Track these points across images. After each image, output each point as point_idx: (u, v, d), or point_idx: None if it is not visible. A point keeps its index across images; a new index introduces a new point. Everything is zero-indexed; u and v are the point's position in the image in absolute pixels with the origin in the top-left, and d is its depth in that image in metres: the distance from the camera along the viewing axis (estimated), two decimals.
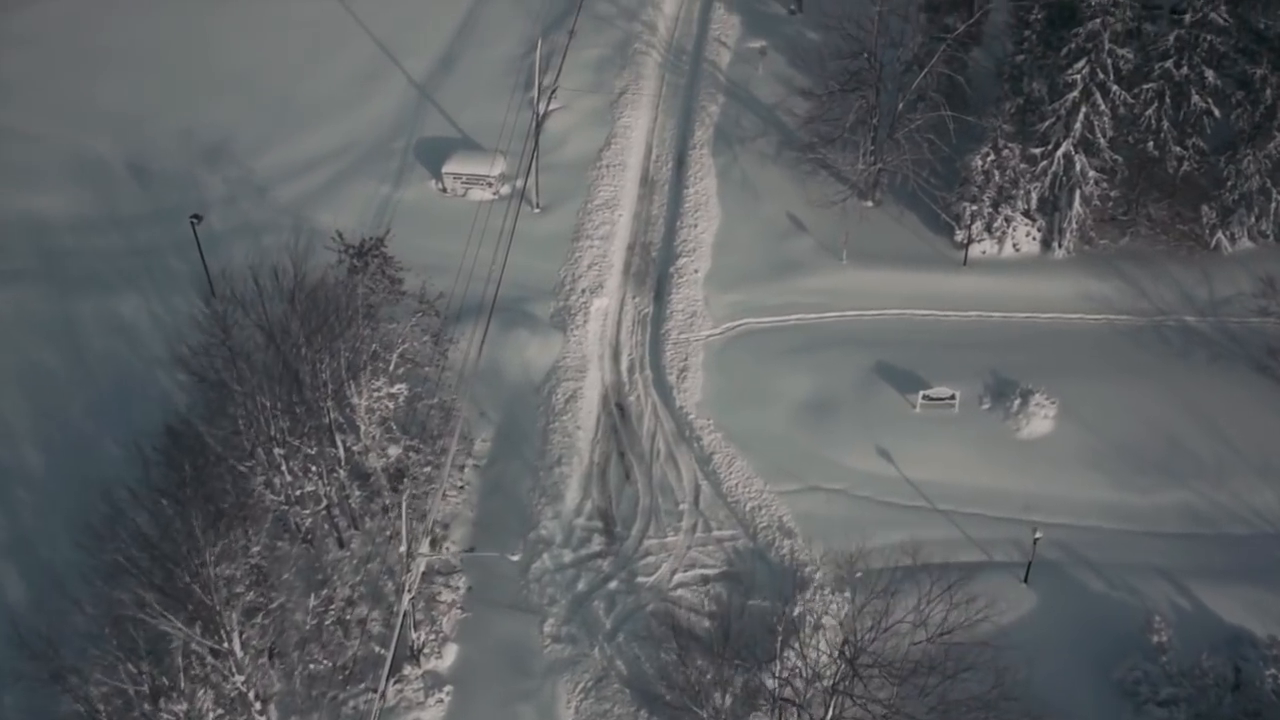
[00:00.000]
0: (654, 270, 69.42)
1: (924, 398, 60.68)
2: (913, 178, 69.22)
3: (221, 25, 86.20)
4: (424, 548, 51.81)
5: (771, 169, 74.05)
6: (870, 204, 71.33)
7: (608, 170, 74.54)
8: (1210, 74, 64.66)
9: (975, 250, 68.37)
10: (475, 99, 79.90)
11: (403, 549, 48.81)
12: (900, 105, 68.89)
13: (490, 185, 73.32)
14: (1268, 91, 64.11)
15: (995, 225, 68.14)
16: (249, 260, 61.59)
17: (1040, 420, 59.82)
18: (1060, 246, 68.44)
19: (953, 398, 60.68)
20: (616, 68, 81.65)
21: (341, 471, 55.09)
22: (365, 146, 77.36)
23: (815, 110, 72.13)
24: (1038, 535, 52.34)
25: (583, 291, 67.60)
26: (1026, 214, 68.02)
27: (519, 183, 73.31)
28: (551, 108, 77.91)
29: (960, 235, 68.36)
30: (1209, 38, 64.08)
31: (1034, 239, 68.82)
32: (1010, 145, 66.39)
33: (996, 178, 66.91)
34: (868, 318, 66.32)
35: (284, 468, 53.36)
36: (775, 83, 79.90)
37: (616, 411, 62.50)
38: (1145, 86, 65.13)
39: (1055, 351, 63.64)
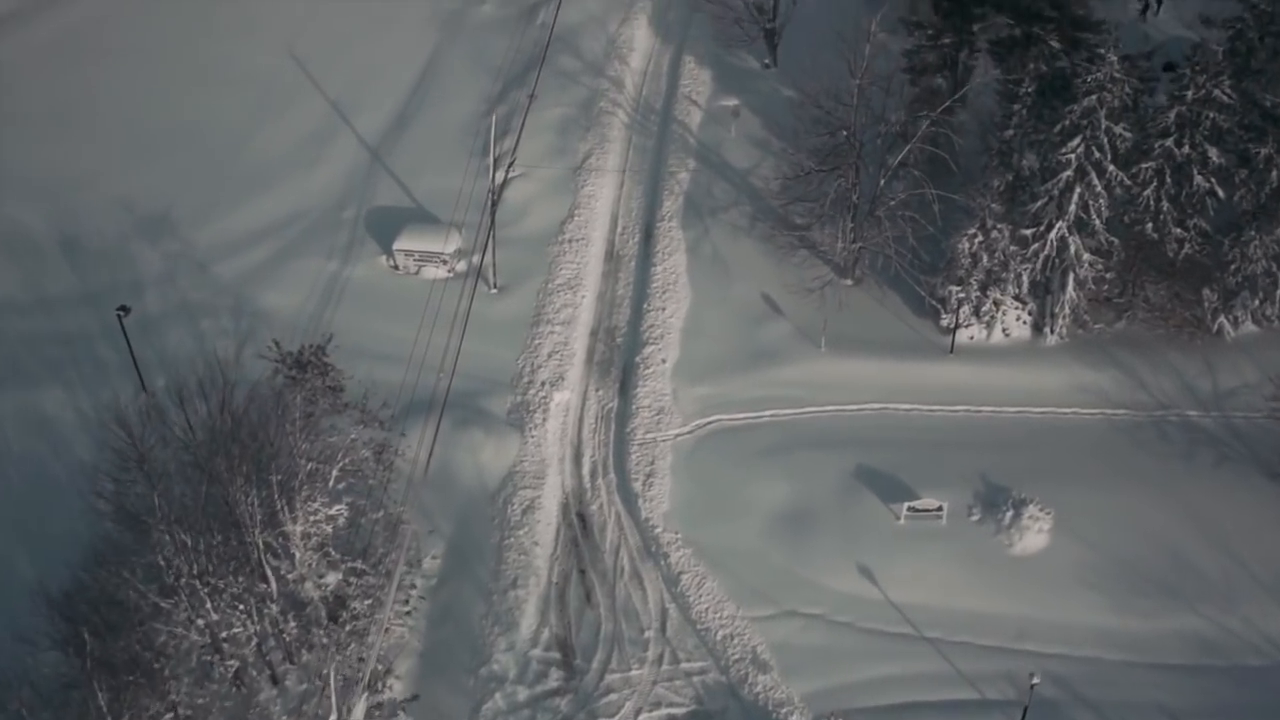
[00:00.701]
0: (619, 359, 64.30)
1: (909, 509, 55.76)
2: (895, 258, 64.37)
3: (162, 80, 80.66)
4: (358, 711, 46.61)
5: (745, 243, 69.00)
6: (849, 282, 66.41)
7: (570, 245, 69.41)
8: (1214, 153, 59.89)
9: (962, 336, 63.50)
10: (431, 163, 74.63)
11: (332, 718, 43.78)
12: (882, 181, 63.94)
13: (445, 263, 68.19)
14: (1274, 172, 59.45)
15: (984, 310, 63.31)
16: (184, 353, 56.72)
17: (1034, 534, 54.94)
18: (1053, 332, 63.60)
19: (940, 509, 55.77)
20: (581, 129, 76.48)
21: (273, 606, 49.94)
22: (313, 216, 72.02)
23: (790, 186, 67.22)
24: (1035, 681, 47.46)
25: (542, 384, 62.46)
26: (1017, 298, 63.30)
27: (476, 258, 68.21)
28: (511, 175, 72.83)
29: (946, 320, 63.46)
30: (1212, 115, 59.35)
31: (1024, 323, 63.97)
32: (1000, 226, 61.57)
33: (985, 260, 62.07)
34: (848, 413, 61.33)
35: (209, 605, 48.21)
36: (749, 145, 74.87)
37: (577, 522, 57.37)
38: (1144, 165, 60.36)
39: (1049, 453, 58.78)
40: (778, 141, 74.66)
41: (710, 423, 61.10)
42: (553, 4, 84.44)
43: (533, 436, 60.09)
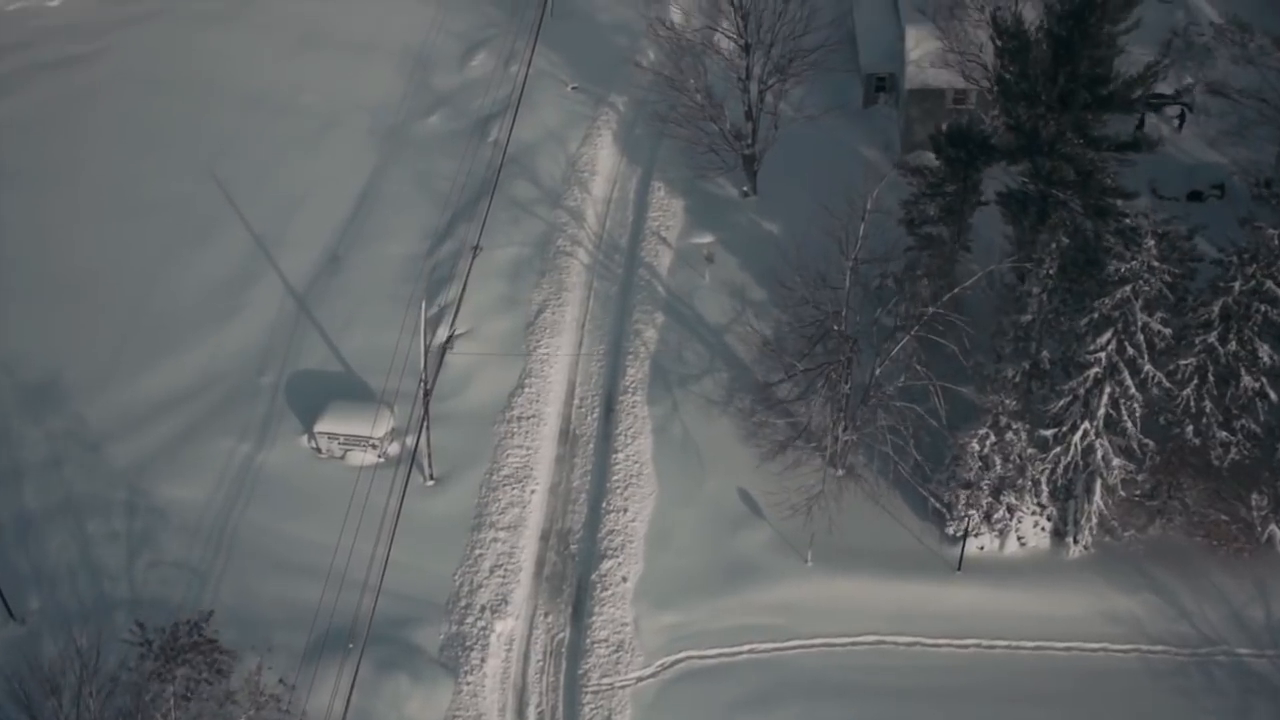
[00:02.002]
0: (573, 574, 54.47)
1: None
2: (893, 453, 54.94)
3: (56, 211, 70.60)
4: None
5: (720, 424, 59.24)
6: (840, 472, 56.93)
7: (520, 424, 59.62)
8: (1265, 350, 50.67)
9: (971, 545, 54.02)
10: (364, 314, 64.72)
11: None
12: (877, 370, 54.43)
13: (374, 447, 58.57)
14: None
15: (996, 517, 54.05)
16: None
17: None
18: (1076, 542, 54.19)
19: None
20: (535, 274, 66.72)
21: None
22: (227, 383, 62.02)
23: (777, 369, 57.80)
24: None
25: (482, 610, 52.61)
26: (1036, 503, 54.03)
27: (409, 440, 58.56)
28: (454, 333, 63.17)
29: (952, 527, 54.09)
30: (1264, 308, 50.18)
31: (1043, 530, 54.67)
32: (1015, 425, 52.26)
33: (998, 465, 52.80)
34: (839, 648, 51.58)
35: None
36: (725, 294, 65.23)
37: None
38: (1184, 362, 51.11)
39: (1074, 706, 49.46)
40: (758, 288, 65.16)
41: (678, 661, 51.29)
42: (506, 118, 74.80)
43: (468, 683, 50.10)
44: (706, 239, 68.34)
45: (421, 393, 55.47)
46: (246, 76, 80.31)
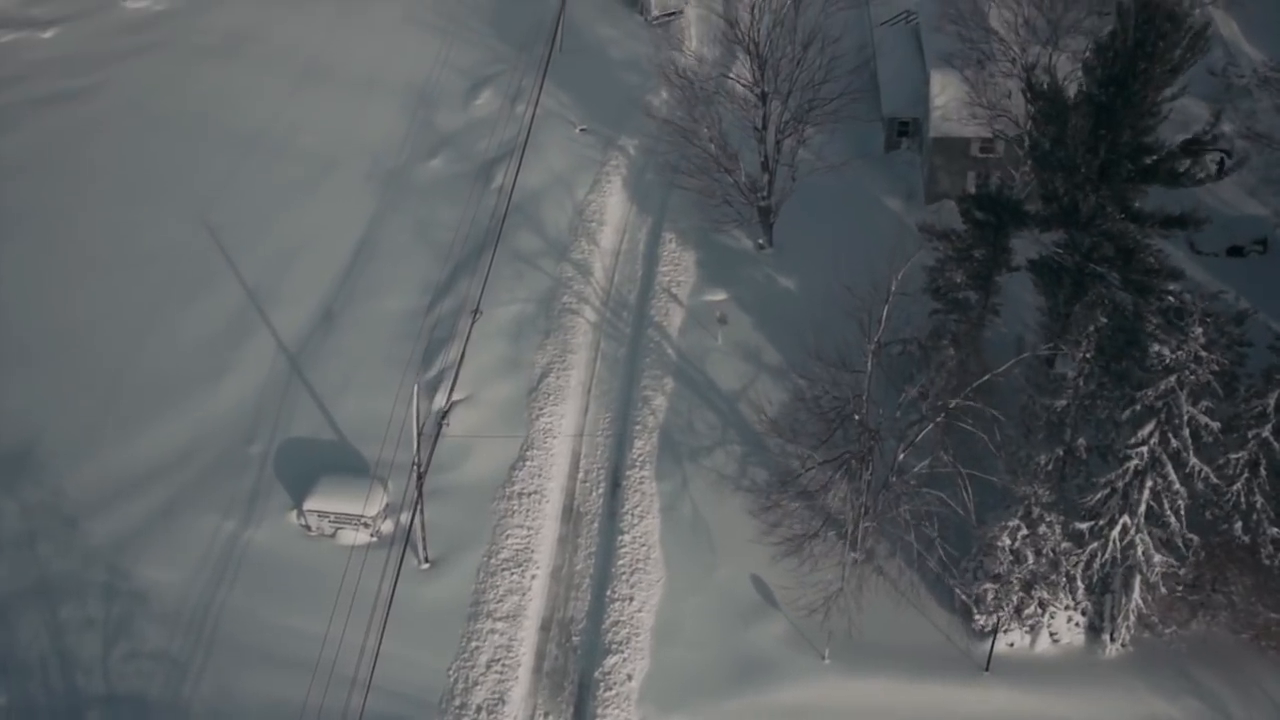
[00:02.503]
0: (575, 670, 50.46)
1: None
2: (916, 543, 51.07)
3: (41, 262, 66.89)
4: None
5: (732, 502, 55.34)
6: (859, 557, 53.07)
7: (520, 501, 55.82)
8: None
9: (1001, 642, 50.09)
10: (359, 376, 61.00)
11: None
12: (900, 455, 50.46)
13: (366, 526, 54.94)
14: None
15: (1027, 612, 50.15)
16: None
17: None
18: (1113, 639, 50.19)
19: None
20: (539, 334, 62.93)
21: None
22: (214, 451, 58.33)
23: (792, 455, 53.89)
24: None
25: (478, 710, 48.58)
26: (1070, 599, 50.11)
27: (404, 517, 54.90)
28: (453, 401, 59.46)
29: (980, 621, 50.22)
30: None
31: (1077, 626, 50.77)
32: (1049, 517, 48.34)
33: (1030, 559, 48.89)
34: None
35: None
36: (738, 358, 61.38)
37: None
38: (1234, 456, 47.10)
39: None
40: (773, 351, 61.32)
41: None
42: (511, 162, 71.04)
43: None
44: (719, 296, 64.52)
45: (415, 476, 51.70)
46: (245, 114, 76.75)
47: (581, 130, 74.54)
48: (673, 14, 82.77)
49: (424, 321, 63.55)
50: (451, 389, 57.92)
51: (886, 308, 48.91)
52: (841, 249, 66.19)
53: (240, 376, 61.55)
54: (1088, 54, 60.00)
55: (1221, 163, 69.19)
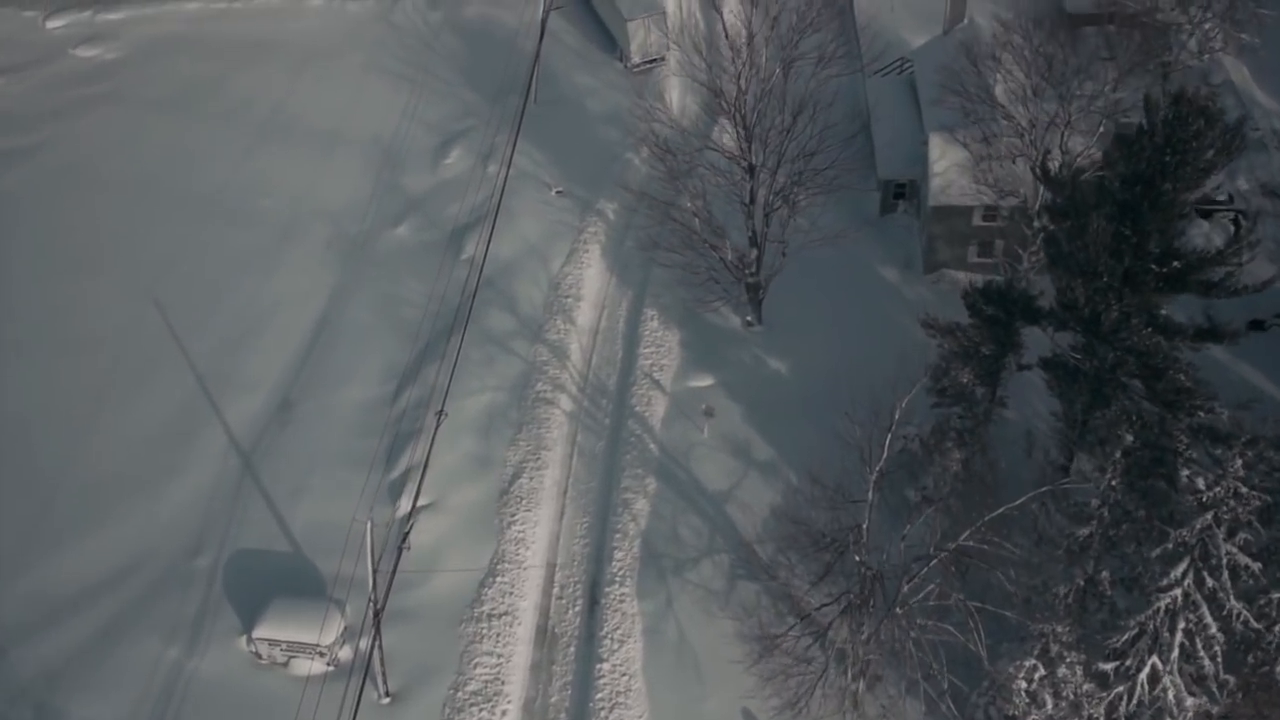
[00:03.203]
0: None
1: None
2: (922, 680, 46.21)
3: None
4: None
5: (721, 624, 50.16)
6: (861, 686, 48.17)
7: (490, 623, 50.68)
8: None
9: None
10: (316, 478, 55.91)
11: None
12: (905, 587, 45.54)
13: (322, 655, 49.98)
14: None
15: None
16: None
17: None
18: None
19: None
20: (511, 427, 57.86)
21: None
22: (157, 566, 53.15)
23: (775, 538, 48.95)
24: None
25: None
26: None
27: (363, 643, 49.90)
28: (419, 504, 54.46)
29: None
30: None
31: None
32: (1069, 656, 43.57)
33: (1048, 703, 44.11)
34: None
35: None
36: (726, 453, 56.43)
37: None
38: (1276, 596, 42.43)
39: None
40: (763, 445, 56.49)
41: None
42: (482, 230, 65.91)
43: None
44: (705, 382, 59.54)
45: (372, 612, 46.68)
46: (199, 175, 71.54)
47: (557, 192, 69.44)
48: (654, 61, 77.64)
49: (388, 413, 58.53)
50: (414, 506, 52.67)
51: (889, 437, 43.94)
52: (835, 326, 61.48)
53: (188, 478, 56.51)
54: (1101, 129, 55.59)
55: (1237, 223, 64.55)
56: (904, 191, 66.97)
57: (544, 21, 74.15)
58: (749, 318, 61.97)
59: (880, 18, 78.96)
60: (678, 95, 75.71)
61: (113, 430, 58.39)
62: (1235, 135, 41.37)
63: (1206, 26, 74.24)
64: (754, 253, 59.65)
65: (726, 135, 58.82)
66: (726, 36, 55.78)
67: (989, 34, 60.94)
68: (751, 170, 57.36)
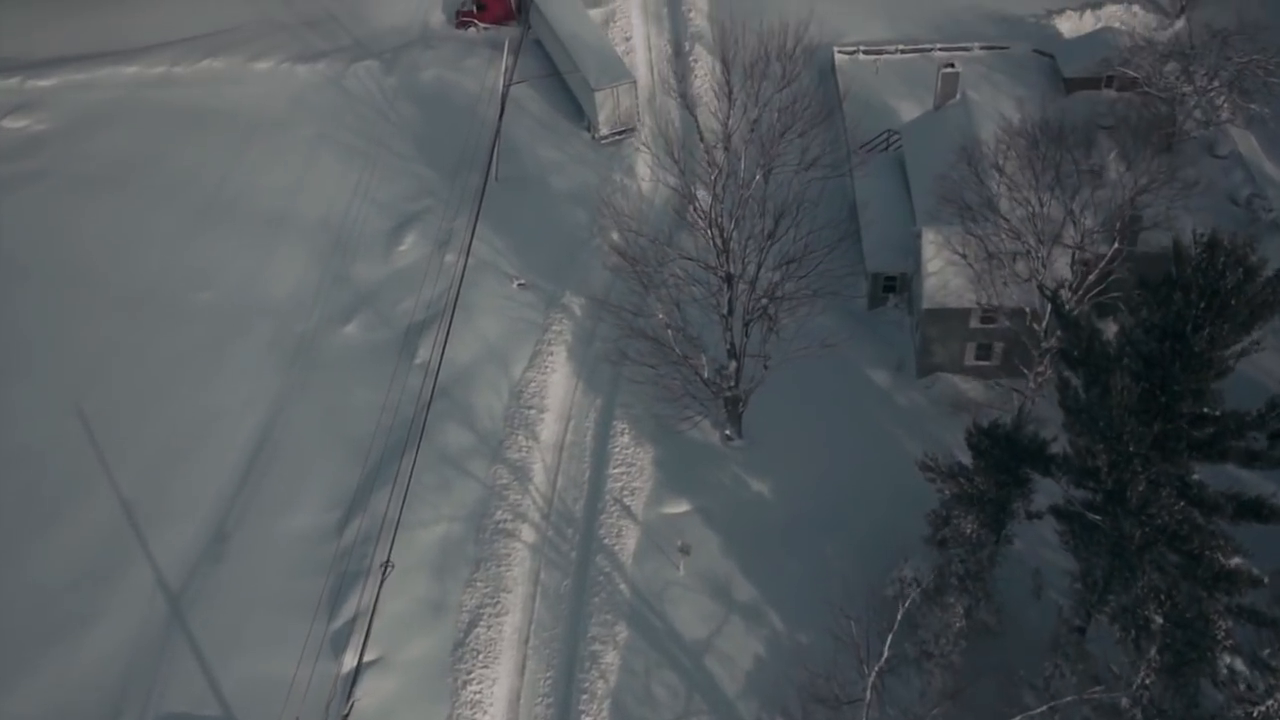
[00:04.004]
0: None
1: None
2: None
3: None
4: None
5: None
6: None
7: None
8: None
9: None
10: (252, 625, 50.11)
11: None
12: None
13: None
14: None
15: None
16: None
17: None
18: None
19: None
20: (467, 564, 52.14)
21: None
22: None
23: None
24: None
25: None
26: None
27: None
28: (365, 660, 48.91)
29: None
30: None
31: None
32: None
33: None
34: None
35: None
36: (705, 594, 50.77)
37: None
38: None
39: None
40: (746, 585, 51.04)
41: None
42: (438, 327, 60.41)
43: None
44: (681, 507, 54.09)
45: None
46: (133, 265, 65.81)
47: (519, 285, 63.90)
48: (624, 132, 72.23)
49: (333, 547, 52.92)
50: (359, 664, 47.15)
51: (889, 637, 38.68)
52: (822, 439, 56.20)
53: (109, 625, 50.80)
54: (1116, 246, 50.44)
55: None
56: (894, 284, 61.78)
57: (504, 98, 68.74)
58: (728, 431, 56.51)
59: (864, 84, 74.00)
60: (650, 170, 70.38)
61: (26, 568, 52.68)
62: (1278, 286, 36.14)
63: (1212, 95, 69.49)
64: (733, 365, 54.30)
65: (701, 236, 53.28)
66: (701, 139, 50.40)
67: (990, 138, 55.35)
68: (729, 280, 51.96)
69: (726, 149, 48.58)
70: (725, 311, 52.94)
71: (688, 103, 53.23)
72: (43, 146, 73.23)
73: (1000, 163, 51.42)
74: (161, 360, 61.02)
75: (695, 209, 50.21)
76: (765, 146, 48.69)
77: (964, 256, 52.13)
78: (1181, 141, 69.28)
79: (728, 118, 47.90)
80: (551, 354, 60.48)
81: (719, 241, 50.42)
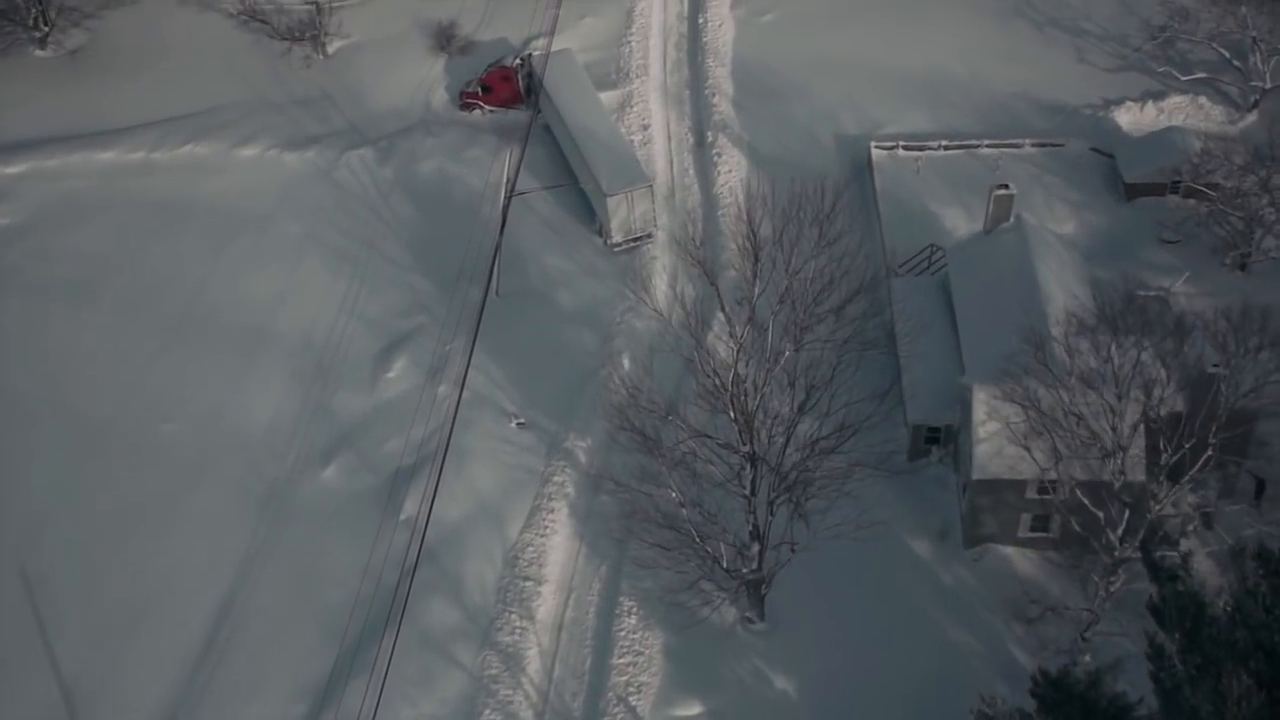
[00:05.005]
0: None
1: None
2: None
3: None
4: None
5: None
6: None
7: None
8: None
9: None
10: None
11: None
12: None
13: None
14: None
15: None
16: None
17: None
18: None
19: None
20: None
21: None
22: None
23: None
24: None
25: None
26: None
27: None
28: None
29: None
30: None
31: None
32: None
33: None
34: None
35: None
36: None
37: None
38: None
39: None
40: None
41: None
42: (426, 476, 53.44)
43: None
44: (694, 709, 47.07)
45: None
46: (92, 390, 59.11)
47: (518, 424, 56.94)
48: (639, 239, 65.27)
49: None
50: None
51: None
52: (855, 621, 49.28)
53: None
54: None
55: (1260, 487, 52.01)
56: (938, 436, 54.64)
57: (505, 210, 61.82)
58: (749, 614, 49.50)
59: (903, 184, 66.83)
60: (667, 280, 63.44)
61: None
62: None
63: None
64: (755, 548, 47.28)
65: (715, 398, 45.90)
66: (723, 311, 43.41)
67: (1057, 312, 47.95)
68: (753, 460, 44.91)
69: (750, 318, 41.61)
70: (748, 492, 45.92)
71: (707, 270, 46.11)
72: (7, 245, 66.70)
73: (1070, 342, 44.19)
74: (115, 510, 54.29)
75: (714, 378, 43.00)
76: (797, 317, 41.67)
77: (1025, 412, 44.90)
78: (1260, 261, 61.96)
79: (753, 292, 40.95)
80: (552, 511, 53.49)
81: (742, 420, 43.37)
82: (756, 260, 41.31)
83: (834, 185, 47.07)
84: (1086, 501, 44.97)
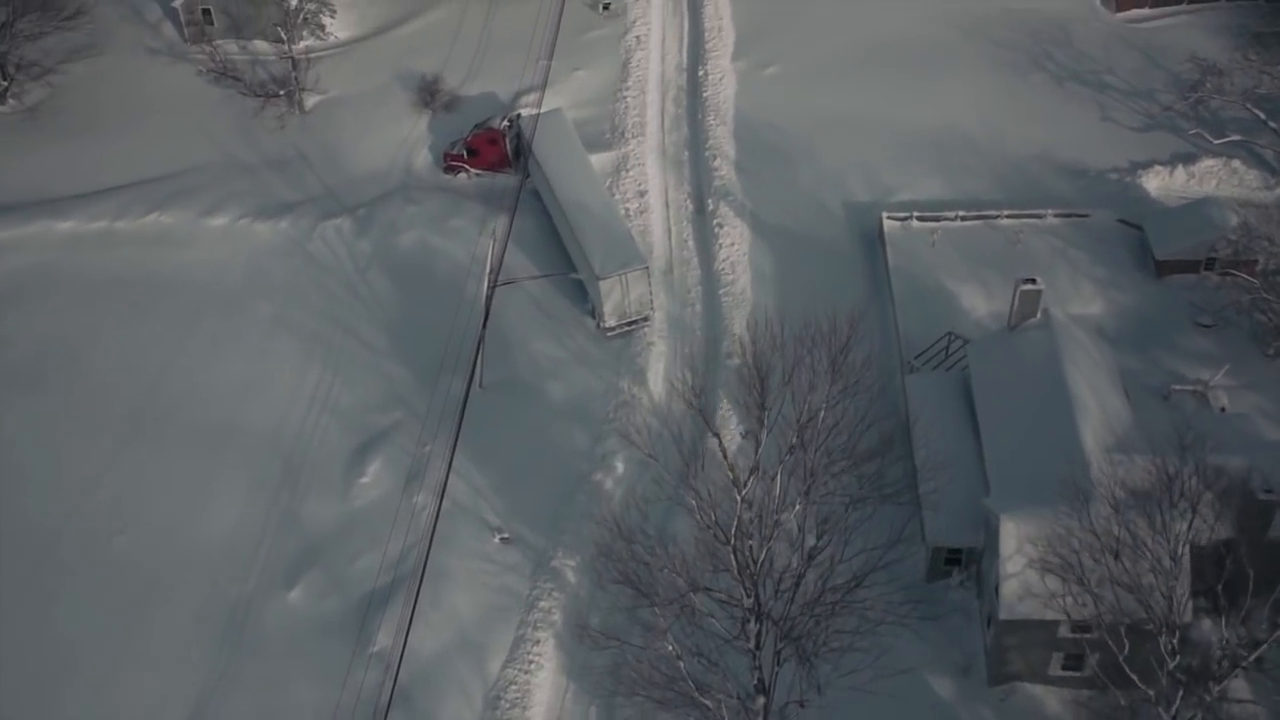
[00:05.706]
0: None
1: None
2: None
3: None
4: None
5: None
6: None
7: None
8: None
9: None
10: None
11: None
12: None
13: None
14: None
15: None
16: None
17: None
18: None
19: None
20: None
21: None
22: None
23: None
24: None
25: None
26: None
27: None
28: None
29: None
30: None
31: None
32: None
33: None
34: None
35: None
36: None
37: None
38: None
39: None
40: None
41: None
42: (403, 603, 48.72)
43: None
44: None
45: None
46: (40, 498, 54.29)
47: (502, 539, 52.08)
48: (634, 323, 60.43)
49: None
50: None
51: None
52: None
53: None
54: None
55: None
56: (959, 558, 49.86)
57: (489, 300, 56.97)
58: None
59: (917, 259, 62.03)
60: (664, 368, 58.70)
61: None
62: None
63: None
64: (761, 700, 42.53)
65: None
66: (725, 458, 38.69)
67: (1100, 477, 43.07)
68: (757, 614, 40.17)
69: (754, 471, 36.88)
70: (752, 646, 41.17)
71: (707, 419, 41.33)
72: None
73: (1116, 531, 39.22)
74: (60, 638, 49.53)
75: (715, 532, 38.21)
76: (807, 460, 36.95)
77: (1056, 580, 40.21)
78: None
79: (758, 448, 36.21)
80: (537, 643, 48.65)
81: (745, 576, 38.63)
82: (763, 418, 36.47)
83: (849, 315, 42.08)
84: (1127, 643, 40.49)
